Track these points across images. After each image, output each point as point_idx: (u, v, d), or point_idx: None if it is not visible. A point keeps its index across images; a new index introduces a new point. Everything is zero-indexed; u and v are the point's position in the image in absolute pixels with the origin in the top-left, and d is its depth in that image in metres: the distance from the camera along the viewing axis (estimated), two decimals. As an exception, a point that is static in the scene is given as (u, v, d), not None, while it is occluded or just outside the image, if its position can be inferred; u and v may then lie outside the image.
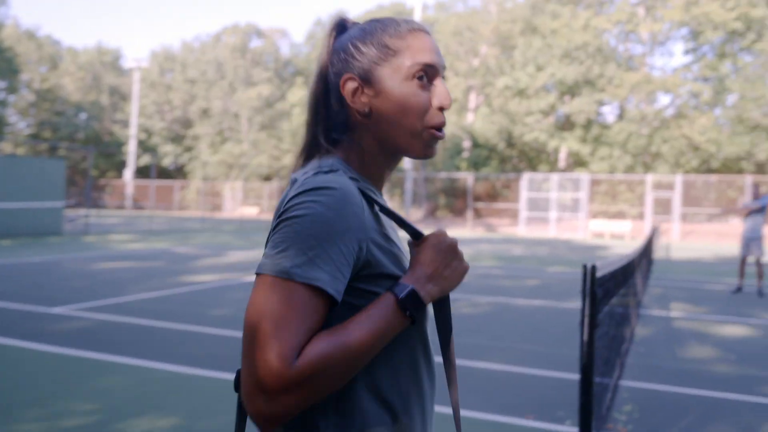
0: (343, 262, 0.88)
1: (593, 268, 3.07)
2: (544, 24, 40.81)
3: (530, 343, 6.08)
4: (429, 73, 0.99)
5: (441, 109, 0.99)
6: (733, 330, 7.12)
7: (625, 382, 4.82)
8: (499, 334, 6.49)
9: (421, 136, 0.99)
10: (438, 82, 1.00)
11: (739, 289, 10.41)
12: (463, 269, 0.97)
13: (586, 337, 3.14)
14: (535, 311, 8.00)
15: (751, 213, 10.35)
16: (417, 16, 34.43)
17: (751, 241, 10.22)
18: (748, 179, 30.00)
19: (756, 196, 10.40)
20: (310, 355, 0.82)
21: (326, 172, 0.94)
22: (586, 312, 3.14)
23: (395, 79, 0.98)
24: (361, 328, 0.86)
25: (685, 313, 8.19)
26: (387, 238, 0.98)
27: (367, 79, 1.00)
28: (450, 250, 0.95)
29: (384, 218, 1.01)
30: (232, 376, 4.60)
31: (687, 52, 42.69)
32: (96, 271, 10.45)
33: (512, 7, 45.12)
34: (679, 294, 10.04)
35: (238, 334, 6.13)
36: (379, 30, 1.02)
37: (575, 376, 4.89)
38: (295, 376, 0.80)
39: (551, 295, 9.38)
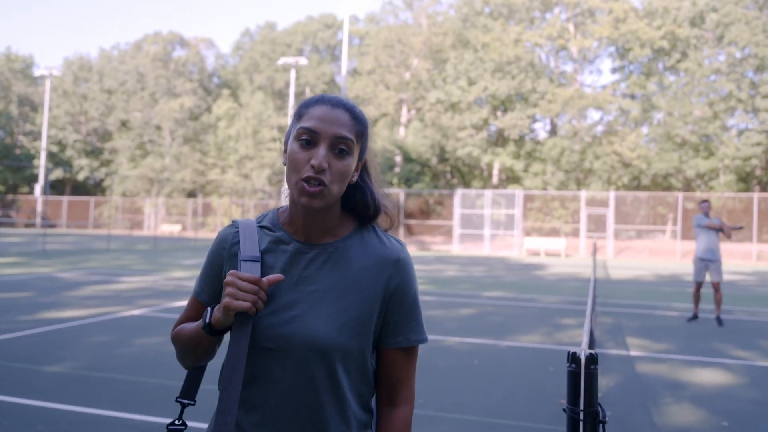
0: (207, 278, 1.33)
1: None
2: (476, 37, 40.24)
3: (464, 411, 4.55)
4: (314, 138, 1.21)
5: (312, 167, 1.18)
6: (710, 377, 5.82)
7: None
8: (421, 391, 4.92)
9: (296, 186, 1.20)
10: (319, 146, 1.20)
11: (695, 317, 9.28)
12: (222, 305, 1.15)
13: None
14: (471, 353, 6.51)
15: (702, 232, 9.29)
16: (346, 28, 33.08)
17: (710, 263, 9.10)
18: (680, 196, 29.91)
19: (707, 213, 9.33)
20: (174, 330, 1.32)
21: (231, 223, 1.35)
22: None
23: (291, 140, 1.25)
24: (191, 326, 1.27)
25: (646, 352, 6.88)
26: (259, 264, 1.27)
27: (286, 141, 1.28)
28: (224, 287, 1.15)
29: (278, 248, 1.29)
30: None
31: (614, 70, 43.07)
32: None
33: (443, 20, 44.51)
34: (632, 324, 8.79)
35: (75, 408, 4.36)
36: (304, 102, 1.27)
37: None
38: (171, 337, 1.32)
39: (490, 330, 7.93)
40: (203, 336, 1.20)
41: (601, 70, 60.07)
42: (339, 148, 1.21)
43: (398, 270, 1.27)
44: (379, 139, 42.89)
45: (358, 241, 1.29)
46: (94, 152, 55.86)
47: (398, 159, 41.17)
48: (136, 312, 8.58)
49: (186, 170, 50.76)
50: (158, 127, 53.02)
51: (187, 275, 14.18)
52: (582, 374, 1.44)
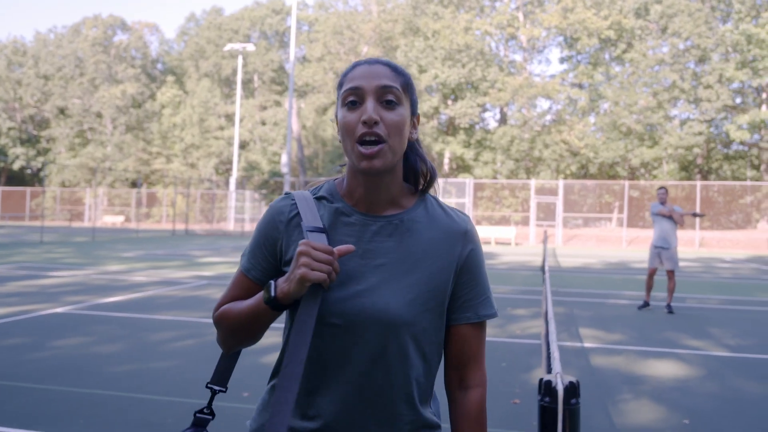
0: (258, 253, 1.23)
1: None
2: (426, 25, 39.93)
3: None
4: (359, 95, 1.15)
5: (364, 123, 1.12)
6: (666, 369, 5.61)
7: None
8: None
9: (354, 152, 1.14)
10: (366, 101, 1.14)
11: (645, 304, 9.17)
12: (297, 276, 1.07)
13: None
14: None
15: (657, 220, 9.19)
16: (294, 14, 32.22)
17: (663, 250, 8.99)
18: (626, 184, 30.34)
19: (663, 201, 9.21)
20: (219, 310, 1.23)
21: (284, 195, 1.27)
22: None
23: (338, 108, 1.20)
24: (246, 303, 1.17)
25: (600, 343, 6.66)
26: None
27: (336, 114, 1.24)
28: (297, 257, 1.08)
29: (338, 223, 1.22)
30: None
31: (563, 60, 43.46)
32: None
33: (393, 7, 44.03)
34: (585, 314, 8.60)
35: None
36: (343, 73, 1.22)
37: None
38: (213, 319, 1.24)
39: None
40: (264, 311, 1.13)
41: (549, 60, 60.86)
42: (386, 99, 1.15)
43: (467, 242, 1.24)
44: (330, 128, 42.24)
45: (424, 213, 1.24)
46: (30, 140, 53.41)
47: (348, 148, 40.67)
48: (59, 310, 7.91)
49: (129, 159, 49.03)
50: (99, 115, 51.01)
51: (124, 268, 13.41)
52: (559, 411, 1.04)
